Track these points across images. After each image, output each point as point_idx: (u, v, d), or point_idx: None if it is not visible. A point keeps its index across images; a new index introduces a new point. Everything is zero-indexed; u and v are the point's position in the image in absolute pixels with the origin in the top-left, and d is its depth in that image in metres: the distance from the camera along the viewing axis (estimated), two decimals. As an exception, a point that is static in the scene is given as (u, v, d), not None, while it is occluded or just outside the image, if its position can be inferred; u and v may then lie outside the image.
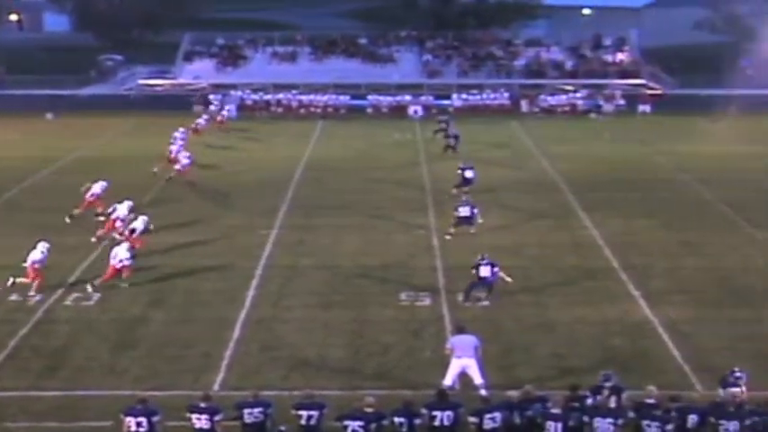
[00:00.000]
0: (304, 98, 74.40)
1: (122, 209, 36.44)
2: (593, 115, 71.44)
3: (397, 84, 77.42)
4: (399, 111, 72.50)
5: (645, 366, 25.23)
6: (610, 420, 19.74)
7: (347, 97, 75.21)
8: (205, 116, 64.02)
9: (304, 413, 20.07)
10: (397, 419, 19.88)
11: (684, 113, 68.68)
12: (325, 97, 74.58)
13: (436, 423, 19.98)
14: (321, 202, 43.01)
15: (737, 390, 21.54)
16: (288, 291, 31.29)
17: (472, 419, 19.99)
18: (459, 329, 24.39)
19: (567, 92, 76.10)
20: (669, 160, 52.86)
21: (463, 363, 23.48)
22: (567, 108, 73.34)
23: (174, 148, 49.26)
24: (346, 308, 29.72)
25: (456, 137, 54.92)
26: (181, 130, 53.10)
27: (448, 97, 74.77)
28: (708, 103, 71.01)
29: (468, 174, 43.57)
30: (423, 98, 74.48)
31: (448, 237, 36.87)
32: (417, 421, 19.95)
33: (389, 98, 74.67)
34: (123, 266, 31.10)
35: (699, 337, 27.41)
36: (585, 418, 19.80)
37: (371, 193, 44.87)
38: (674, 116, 68.15)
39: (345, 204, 42.70)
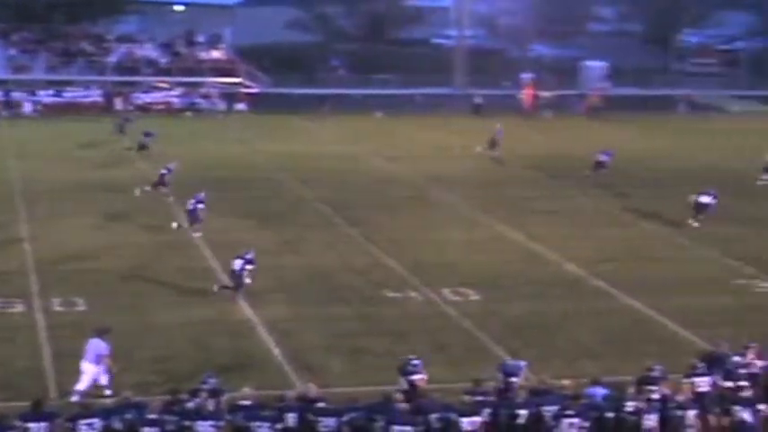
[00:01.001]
0: None
1: None
2: (189, 114, 71.10)
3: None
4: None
5: (246, 367, 25.05)
6: (211, 423, 19.46)
7: None
8: None
9: None
10: (-14, 434, 18.74)
11: (280, 112, 69.53)
12: None
13: (30, 435, 18.99)
14: None
15: (419, 376, 22.07)
16: None
17: (68, 425, 19.19)
18: (97, 332, 23.58)
19: (162, 89, 75.31)
20: (267, 159, 53.32)
21: (83, 366, 22.91)
22: (162, 106, 72.57)
23: None
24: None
25: (148, 134, 53.63)
26: None
27: (34, 93, 72.10)
28: (302, 102, 72.37)
29: (162, 171, 43.05)
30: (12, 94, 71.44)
31: (197, 234, 36.74)
32: (10, 434, 18.87)
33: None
34: None
35: (299, 336, 27.58)
36: (186, 422, 19.42)
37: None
38: (270, 115, 68.89)
39: None
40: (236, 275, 30.19)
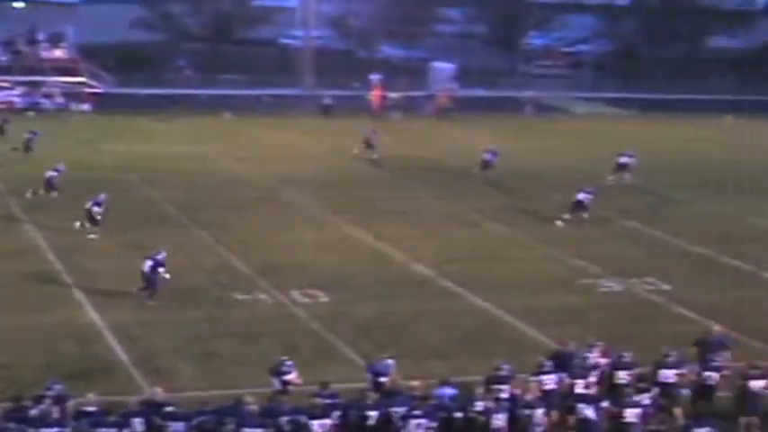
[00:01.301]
0: None
1: None
2: (31, 113, 69.50)
3: None
4: None
5: (92, 372, 24.65)
6: (55, 430, 19.22)
7: None
8: None
9: None
10: None
11: (125, 113, 68.40)
12: None
13: None
14: None
15: (291, 376, 22.17)
16: None
17: None
18: None
19: (3, 88, 73.50)
20: (113, 160, 52.42)
21: None
22: (3, 106, 70.79)
23: None
24: None
25: (35, 133, 52.61)
26: None
27: None
28: (148, 102, 71.40)
29: (50, 173, 42.48)
30: None
31: (93, 236, 36.51)
32: None
33: None
34: None
35: (147, 340, 27.27)
36: (30, 430, 19.05)
37: None
38: (116, 115, 67.70)
39: None
40: (147, 277, 29.86)
